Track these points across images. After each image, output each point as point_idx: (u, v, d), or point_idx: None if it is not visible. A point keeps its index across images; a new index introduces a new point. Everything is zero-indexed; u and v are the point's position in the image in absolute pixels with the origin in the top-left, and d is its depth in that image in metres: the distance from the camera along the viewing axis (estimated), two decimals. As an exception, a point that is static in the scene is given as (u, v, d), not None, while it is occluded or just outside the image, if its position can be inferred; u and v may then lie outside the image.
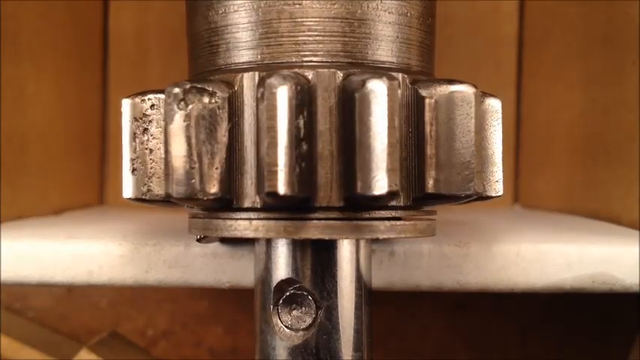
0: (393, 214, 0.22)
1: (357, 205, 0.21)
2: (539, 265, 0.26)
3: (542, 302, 0.45)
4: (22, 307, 0.46)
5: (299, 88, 0.20)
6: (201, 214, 0.23)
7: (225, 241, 0.26)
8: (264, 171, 0.19)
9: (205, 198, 0.20)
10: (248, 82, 0.21)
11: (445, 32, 0.43)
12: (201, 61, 0.23)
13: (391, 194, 0.20)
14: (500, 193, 0.23)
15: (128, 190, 0.22)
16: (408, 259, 0.26)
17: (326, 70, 0.21)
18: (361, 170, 0.20)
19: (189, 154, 0.20)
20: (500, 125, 0.23)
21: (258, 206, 0.21)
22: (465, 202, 0.22)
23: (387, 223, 0.21)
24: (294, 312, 0.22)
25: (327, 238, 0.21)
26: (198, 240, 0.25)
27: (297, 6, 0.21)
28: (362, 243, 0.23)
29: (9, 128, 0.32)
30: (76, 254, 0.27)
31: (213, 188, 0.20)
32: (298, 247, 0.22)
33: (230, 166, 0.21)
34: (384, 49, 0.22)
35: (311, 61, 0.21)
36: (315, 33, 0.21)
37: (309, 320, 0.22)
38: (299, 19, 0.21)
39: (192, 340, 0.46)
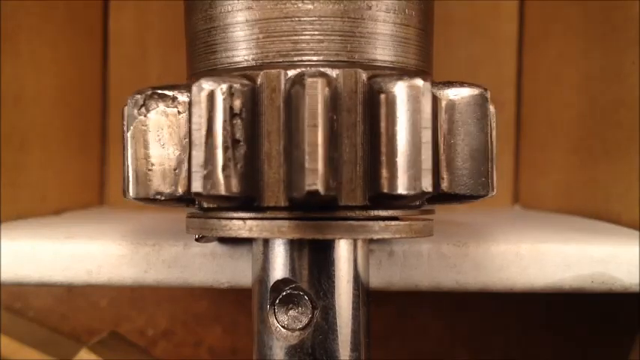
0: (389, 213, 0.22)
1: (356, 205, 0.21)
2: (539, 264, 0.26)
3: (541, 302, 0.45)
4: (22, 307, 0.46)
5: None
6: (198, 214, 0.23)
7: (223, 240, 0.26)
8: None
9: (163, 198, 0.22)
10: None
11: (445, 32, 0.43)
12: (200, 61, 0.23)
13: (314, 193, 0.19)
14: (492, 192, 0.22)
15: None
16: (407, 258, 0.26)
17: (271, 70, 0.21)
18: (293, 172, 0.20)
19: (147, 157, 0.22)
20: (489, 118, 0.22)
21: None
22: (447, 202, 0.22)
23: (381, 223, 0.21)
24: (291, 312, 0.22)
25: (320, 238, 0.21)
26: (197, 240, 0.25)
27: (294, 5, 0.21)
28: (359, 243, 0.23)
29: (9, 128, 0.32)
30: (76, 254, 0.27)
31: (168, 189, 0.21)
32: (295, 246, 0.22)
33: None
34: (381, 48, 0.22)
35: (309, 61, 0.21)
36: (313, 32, 0.21)
37: (305, 320, 0.22)
38: (296, 19, 0.21)
39: (192, 340, 0.46)
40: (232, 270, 0.26)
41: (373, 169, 0.21)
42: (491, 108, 0.22)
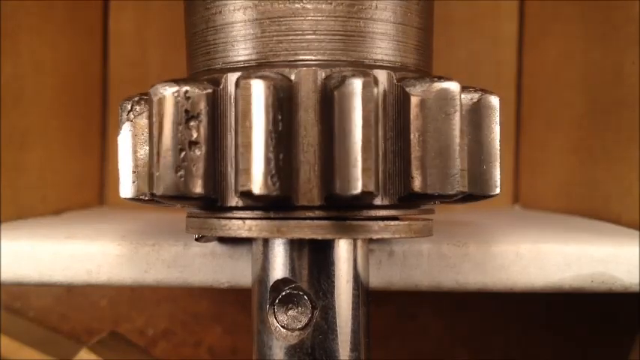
0: (388, 213, 0.22)
1: (338, 205, 0.21)
2: (539, 264, 0.26)
3: (541, 302, 0.45)
4: (22, 307, 0.46)
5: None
6: (197, 214, 0.23)
7: (223, 240, 0.26)
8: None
9: (146, 198, 0.23)
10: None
11: (445, 32, 0.43)
12: (199, 61, 0.23)
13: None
14: (497, 191, 0.23)
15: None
16: (407, 258, 0.26)
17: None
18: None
19: (133, 160, 0.23)
20: (498, 123, 0.23)
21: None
22: (455, 202, 0.22)
23: (381, 223, 0.21)
24: (290, 312, 0.22)
25: (319, 238, 0.21)
26: (197, 239, 0.25)
27: (292, 5, 0.21)
28: (359, 243, 0.23)
29: (9, 128, 0.32)
30: (76, 254, 0.27)
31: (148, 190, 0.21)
32: (295, 246, 0.22)
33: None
34: (378, 47, 0.22)
35: (306, 60, 0.21)
36: (311, 32, 0.21)
37: (304, 320, 0.22)
38: (293, 19, 0.21)
39: (192, 340, 0.46)
40: (232, 270, 0.26)
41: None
42: (483, 103, 0.23)
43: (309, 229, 0.21)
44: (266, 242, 0.23)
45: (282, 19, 0.22)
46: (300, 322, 0.22)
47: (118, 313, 0.46)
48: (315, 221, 0.21)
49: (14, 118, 0.33)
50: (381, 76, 0.21)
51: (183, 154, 0.20)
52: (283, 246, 0.22)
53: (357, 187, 0.19)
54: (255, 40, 0.22)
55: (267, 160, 0.20)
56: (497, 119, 0.23)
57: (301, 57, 0.21)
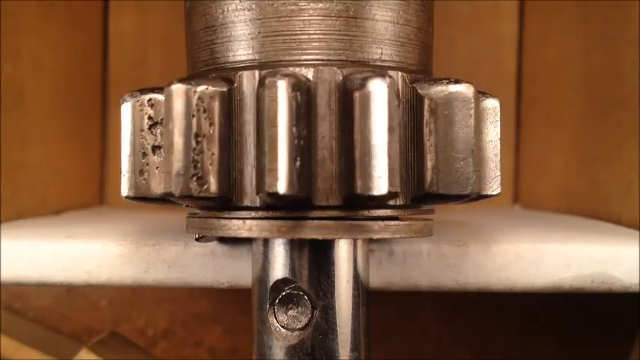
0: (389, 213, 0.22)
1: (354, 205, 0.21)
2: (539, 264, 0.26)
3: (541, 302, 0.45)
4: (22, 307, 0.46)
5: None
6: (198, 214, 0.23)
7: (223, 240, 0.26)
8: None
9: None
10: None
11: (445, 32, 0.43)
12: (200, 60, 0.23)
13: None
14: (498, 191, 0.23)
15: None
16: (407, 258, 0.26)
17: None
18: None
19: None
20: (499, 124, 0.23)
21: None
22: (463, 202, 0.22)
23: (381, 223, 0.21)
24: (290, 312, 0.22)
25: (320, 238, 0.21)
26: (197, 239, 0.25)
27: (296, 5, 0.21)
28: (359, 243, 0.23)
29: (9, 128, 0.32)
30: (76, 254, 0.27)
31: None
32: (295, 246, 0.22)
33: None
34: (382, 47, 0.22)
35: (308, 60, 0.21)
36: (313, 31, 0.21)
37: (304, 320, 0.22)
38: (297, 18, 0.21)
39: (192, 340, 0.46)
40: (232, 270, 0.26)
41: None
42: (484, 105, 0.23)
43: (310, 229, 0.21)
44: (266, 242, 0.23)
45: (288, 18, 0.22)
46: (300, 322, 0.22)
47: (118, 313, 0.46)
48: (315, 221, 0.21)
49: (14, 118, 0.33)
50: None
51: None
52: (283, 246, 0.22)
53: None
54: (261, 38, 0.22)
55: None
56: (498, 121, 0.23)
57: (303, 57, 0.21)
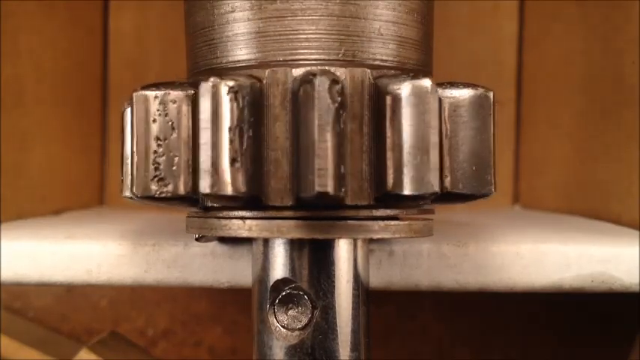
0: (389, 213, 0.22)
1: (355, 205, 0.21)
2: (539, 264, 0.26)
3: (542, 302, 0.45)
4: (22, 307, 0.46)
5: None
6: (197, 214, 0.23)
7: (223, 240, 0.26)
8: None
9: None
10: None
11: (445, 32, 0.43)
12: (200, 60, 0.23)
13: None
14: (492, 191, 0.22)
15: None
16: (407, 258, 0.26)
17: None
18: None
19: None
20: (491, 119, 0.22)
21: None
22: (443, 203, 0.22)
23: (381, 223, 0.21)
24: (290, 312, 0.22)
25: (320, 238, 0.21)
26: (197, 239, 0.25)
27: (295, 4, 0.21)
28: (359, 243, 0.23)
29: (9, 128, 0.32)
30: (76, 254, 0.27)
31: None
32: (295, 246, 0.22)
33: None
34: (378, 46, 0.22)
35: (310, 60, 0.21)
36: (313, 31, 0.21)
37: (305, 320, 0.22)
38: (296, 17, 0.21)
39: (192, 340, 0.46)
40: (232, 270, 0.26)
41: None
42: (494, 108, 0.22)
43: (310, 229, 0.21)
44: (266, 242, 0.23)
45: (278, 19, 0.21)
46: (301, 322, 0.22)
47: (118, 313, 0.46)
48: (315, 221, 0.21)
49: (14, 118, 0.33)
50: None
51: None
52: (283, 246, 0.22)
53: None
54: (249, 40, 0.22)
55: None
56: (491, 116, 0.22)
57: (299, 57, 0.21)
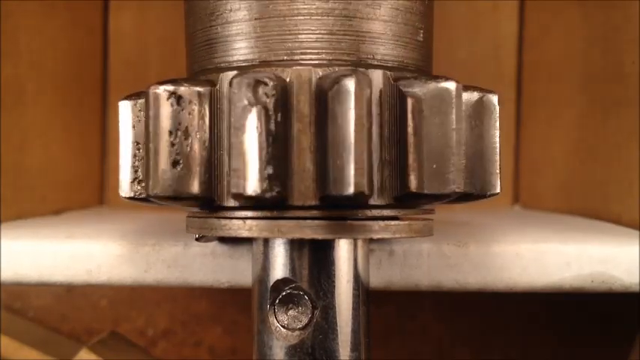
0: (389, 213, 0.22)
1: (355, 205, 0.21)
2: (539, 264, 0.26)
3: (542, 302, 0.45)
4: (22, 307, 0.46)
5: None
6: (198, 214, 0.23)
7: (223, 240, 0.26)
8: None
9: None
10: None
11: (445, 32, 0.43)
12: (201, 60, 0.23)
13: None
14: (497, 191, 0.23)
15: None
16: (408, 258, 0.26)
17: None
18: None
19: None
20: (497, 122, 0.23)
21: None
22: (454, 202, 0.22)
23: (381, 223, 0.21)
24: (291, 312, 0.22)
25: (320, 238, 0.21)
26: (197, 239, 0.25)
27: (290, 4, 0.21)
28: (359, 242, 0.23)
29: (9, 128, 0.32)
30: (76, 254, 0.27)
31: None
32: (295, 246, 0.22)
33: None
34: (380, 46, 0.22)
35: (302, 60, 0.21)
36: (315, 31, 0.21)
37: (305, 320, 0.22)
38: (291, 17, 0.21)
39: (192, 340, 0.46)
40: (232, 270, 0.26)
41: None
42: (483, 102, 0.23)
43: (310, 229, 0.21)
44: (266, 242, 0.23)
45: (281, 18, 0.21)
46: (301, 321, 0.22)
47: (118, 313, 0.46)
48: (315, 221, 0.21)
49: (14, 118, 0.33)
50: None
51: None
52: (284, 246, 0.22)
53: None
54: (254, 39, 0.22)
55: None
56: (497, 118, 0.23)
57: (300, 56, 0.21)
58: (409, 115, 0.21)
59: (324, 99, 0.20)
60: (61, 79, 0.38)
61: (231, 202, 0.21)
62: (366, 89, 0.20)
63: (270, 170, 0.20)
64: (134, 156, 0.22)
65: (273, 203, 0.21)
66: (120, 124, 0.23)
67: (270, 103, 0.20)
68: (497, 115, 0.23)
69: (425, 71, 0.23)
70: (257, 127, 0.20)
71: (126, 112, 0.23)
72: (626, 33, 0.32)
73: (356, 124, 0.20)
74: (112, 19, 0.44)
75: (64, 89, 0.39)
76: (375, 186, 0.21)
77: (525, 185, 0.43)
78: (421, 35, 0.23)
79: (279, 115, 0.20)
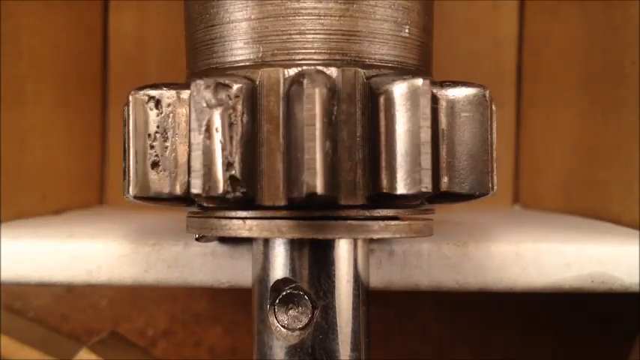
0: (389, 213, 0.21)
1: (355, 205, 0.21)
2: (539, 264, 0.26)
3: (541, 302, 0.45)
4: (22, 307, 0.46)
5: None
6: (198, 214, 0.23)
7: (223, 240, 0.26)
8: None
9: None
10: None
11: (445, 32, 0.43)
12: (199, 60, 0.23)
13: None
14: (489, 191, 0.22)
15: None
16: (408, 258, 0.26)
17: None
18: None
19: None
20: (489, 118, 0.22)
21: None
22: (442, 202, 0.22)
23: (381, 223, 0.21)
24: (291, 312, 0.22)
25: (320, 238, 0.21)
26: (197, 239, 0.25)
27: (293, 3, 0.21)
28: (359, 243, 0.23)
29: (9, 128, 0.32)
30: (76, 254, 0.27)
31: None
32: (295, 246, 0.22)
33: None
34: (377, 46, 0.22)
35: (308, 59, 0.21)
36: (311, 31, 0.21)
37: (305, 320, 0.22)
38: (295, 17, 0.21)
39: (192, 340, 0.46)
40: (232, 270, 0.26)
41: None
42: (492, 107, 0.22)
43: (310, 229, 0.21)
44: (266, 242, 0.23)
45: (273, 19, 0.22)
46: (301, 321, 0.22)
47: (118, 313, 0.46)
48: (315, 221, 0.21)
49: (14, 118, 0.33)
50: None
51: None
52: (284, 246, 0.22)
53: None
54: (232, 42, 0.22)
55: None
56: (488, 115, 0.22)
57: (292, 57, 0.21)
58: (381, 114, 0.20)
59: (288, 100, 0.20)
60: (61, 79, 0.38)
61: (204, 202, 0.21)
62: (321, 88, 0.20)
63: (232, 171, 0.20)
64: (150, 153, 0.22)
65: (238, 204, 0.21)
66: (130, 119, 0.22)
67: (235, 104, 0.20)
68: (489, 111, 0.22)
69: (416, 69, 0.23)
70: (216, 129, 0.20)
71: (140, 107, 0.22)
72: (626, 33, 0.32)
73: (308, 124, 0.19)
74: (112, 19, 0.44)
75: (64, 89, 0.39)
76: (341, 186, 0.20)
77: (525, 185, 0.43)
78: (406, 31, 0.23)
79: (246, 116, 0.20)
